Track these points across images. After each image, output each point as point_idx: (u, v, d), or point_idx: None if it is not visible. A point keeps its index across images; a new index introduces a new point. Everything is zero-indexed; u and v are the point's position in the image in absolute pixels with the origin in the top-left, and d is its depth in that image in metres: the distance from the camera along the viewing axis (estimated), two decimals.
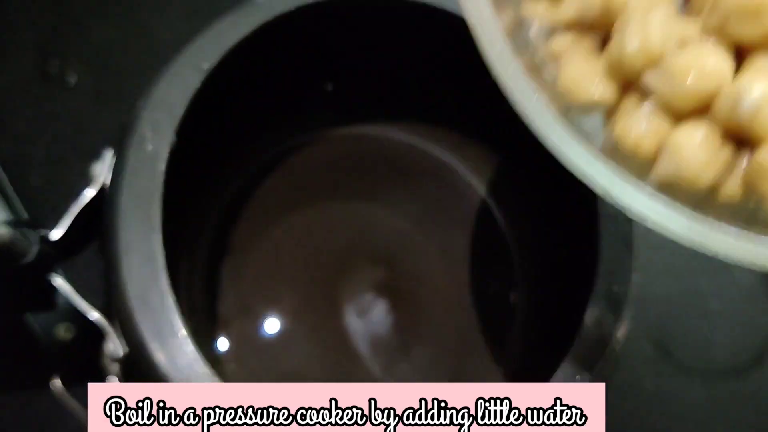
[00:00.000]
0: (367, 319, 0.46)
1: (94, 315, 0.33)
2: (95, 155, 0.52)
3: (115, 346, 0.32)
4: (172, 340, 0.31)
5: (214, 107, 0.38)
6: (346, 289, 0.46)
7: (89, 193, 0.35)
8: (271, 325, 0.45)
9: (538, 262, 0.47)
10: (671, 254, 0.52)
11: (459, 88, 0.48)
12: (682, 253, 0.52)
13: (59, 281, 0.33)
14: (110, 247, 0.33)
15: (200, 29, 0.38)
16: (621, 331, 0.34)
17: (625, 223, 0.35)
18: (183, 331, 0.31)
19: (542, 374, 0.34)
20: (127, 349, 0.32)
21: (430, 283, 0.48)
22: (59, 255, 0.34)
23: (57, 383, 0.44)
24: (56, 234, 0.34)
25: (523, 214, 0.49)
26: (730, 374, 0.50)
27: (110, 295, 0.33)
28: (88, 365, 0.41)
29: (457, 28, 0.36)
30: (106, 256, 0.33)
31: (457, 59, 0.44)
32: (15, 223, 0.31)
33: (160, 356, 0.31)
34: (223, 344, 0.44)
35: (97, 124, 0.53)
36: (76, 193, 0.50)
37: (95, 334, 0.36)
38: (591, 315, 0.34)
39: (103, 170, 0.35)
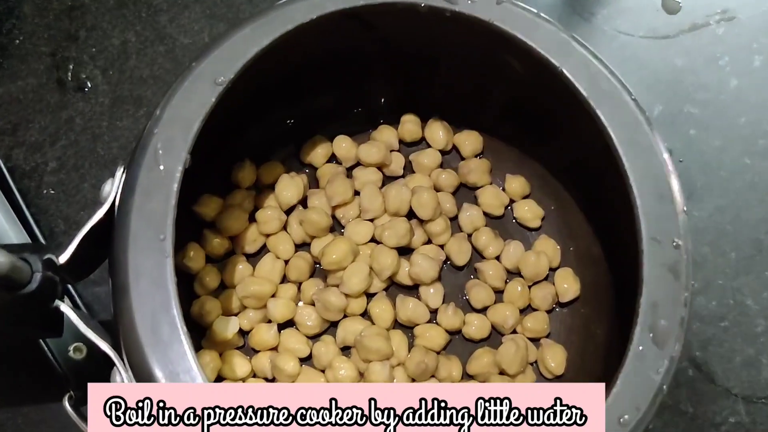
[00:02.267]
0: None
1: (102, 345, 0.31)
2: (111, 164, 0.50)
3: (122, 378, 0.30)
4: (183, 376, 0.29)
5: (229, 117, 0.35)
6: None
7: (98, 214, 0.33)
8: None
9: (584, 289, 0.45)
10: (714, 272, 0.50)
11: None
12: (727, 272, 0.50)
13: (66, 308, 0.31)
14: (119, 272, 0.31)
15: (220, 34, 0.36)
16: (668, 366, 0.31)
17: (672, 249, 0.33)
18: (195, 367, 0.29)
19: None
20: (135, 382, 0.30)
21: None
22: (66, 279, 0.32)
23: (68, 401, 0.43)
24: (63, 257, 0.32)
25: (563, 235, 0.47)
26: None
27: (118, 324, 0.31)
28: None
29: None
30: (114, 281, 0.31)
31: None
32: (17, 249, 0.29)
33: None
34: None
35: (113, 131, 0.51)
36: (90, 203, 0.49)
37: (106, 356, 0.34)
38: (634, 351, 0.31)
39: (113, 189, 0.33)
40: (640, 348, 0.31)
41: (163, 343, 0.30)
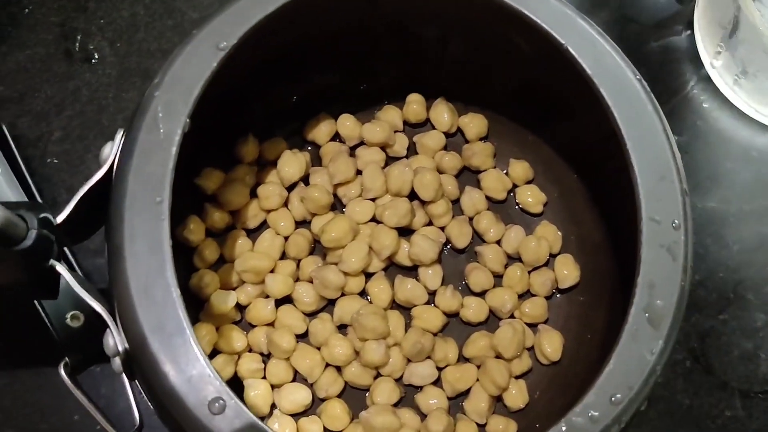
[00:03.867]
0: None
1: (96, 306, 0.31)
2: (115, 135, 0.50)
3: (114, 341, 0.30)
4: (176, 338, 0.29)
5: (231, 89, 0.35)
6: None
7: (97, 176, 0.33)
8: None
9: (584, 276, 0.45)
10: (716, 263, 0.49)
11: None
12: (729, 264, 0.49)
13: (61, 268, 0.31)
14: (114, 234, 0.31)
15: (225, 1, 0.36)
16: (662, 347, 0.31)
17: (671, 230, 0.32)
18: (187, 329, 0.29)
19: (575, 393, 0.32)
20: (127, 345, 0.30)
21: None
22: (63, 240, 0.32)
23: (64, 369, 0.43)
24: (60, 218, 0.32)
25: (565, 221, 0.46)
26: None
27: (112, 286, 0.31)
28: (96, 352, 0.39)
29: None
30: (109, 243, 0.31)
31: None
32: (14, 206, 0.29)
33: (161, 356, 0.29)
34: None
35: (118, 102, 0.51)
36: (94, 174, 0.49)
37: (102, 323, 0.34)
38: (629, 330, 0.31)
39: (112, 152, 0.33)
40: (635, 328, 0.31)
41: (156, 304, 0.30)
